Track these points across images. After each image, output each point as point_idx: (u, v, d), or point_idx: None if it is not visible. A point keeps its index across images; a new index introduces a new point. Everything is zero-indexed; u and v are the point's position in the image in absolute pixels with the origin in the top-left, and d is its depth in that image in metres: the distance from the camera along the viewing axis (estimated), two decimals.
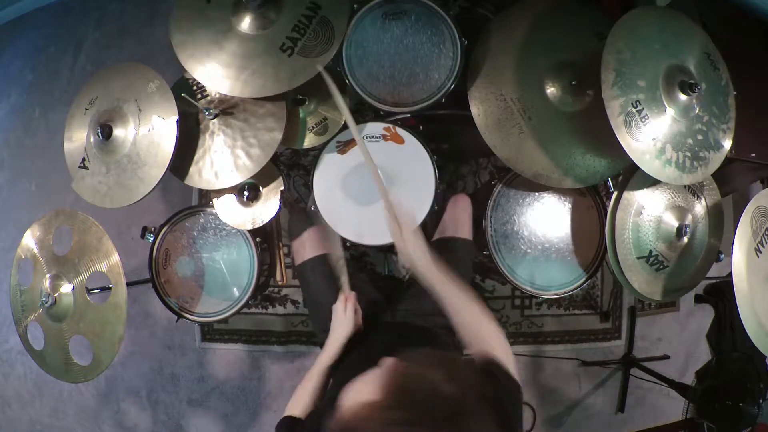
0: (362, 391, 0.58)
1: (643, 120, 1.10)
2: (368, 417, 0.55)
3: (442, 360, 0.61)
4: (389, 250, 1.98)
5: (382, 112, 1.31)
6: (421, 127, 1.39)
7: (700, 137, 1.16)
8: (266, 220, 1.37)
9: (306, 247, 1.32)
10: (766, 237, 1.27)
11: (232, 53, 1.21)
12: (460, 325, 0.95)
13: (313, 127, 1.37)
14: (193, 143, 1.29)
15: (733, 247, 1.22)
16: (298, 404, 1.01)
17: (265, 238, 1.54)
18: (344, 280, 1.17)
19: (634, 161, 1.10)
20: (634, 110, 1.09)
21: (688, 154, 1.15)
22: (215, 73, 1.21)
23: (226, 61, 1.21)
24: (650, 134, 1.11)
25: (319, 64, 1.17)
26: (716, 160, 1.19)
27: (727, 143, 1.20)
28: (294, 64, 1.18)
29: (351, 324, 1.13)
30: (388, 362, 0.61)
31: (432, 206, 1.28)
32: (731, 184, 1.60)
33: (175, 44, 1.23)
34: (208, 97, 1.33)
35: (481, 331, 0.92)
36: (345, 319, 1.13)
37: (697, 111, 1.15)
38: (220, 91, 1.23)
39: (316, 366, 1.08)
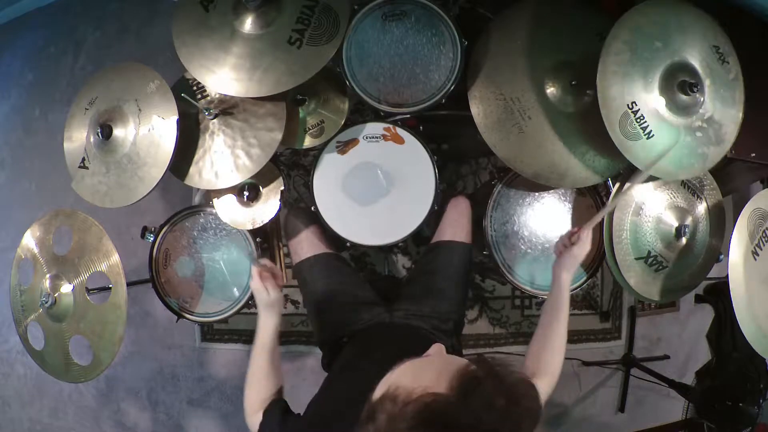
0: (426, 377, 0.55)
1: (639, 121, 1.10)
2: (426, 408, 0.52)
3: (513, 380, 0.57)
4: (389, 250, 1.99)
5: (382, 113, 1.31)
6: (421, 128, 1.39)
7: (699, 134, 1.16)
8: (266, 220, 1.37)
9: (303, 246, 1.32)
10: (763, 240, 1.27)
11: (240, 55, 1.21)
12: (540, 340, 1.03)
13: (310, 129, 1.37)
14: (193, 143, 1.29)
15: (730, 249, 1.22)
16: (260, 395, 1.01)
17: (265, 238, 1.54)
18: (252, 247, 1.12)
19: (632, 162, 1.11)
20: (630, 111, 1.09)
21: (686, 152, 1.15)
22: (228, 78, 1.20)
23: (237, 65, 1.20)
24: (647, 134, 1.11)
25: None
26: (715, 155, 1.19)
27: (729, 139, 1.19)
28: (305, 54, 1.18)
29: (276, 303, 1.04)
30: (459, 362, 0.58)
31: (432, 206, 1.28)
32: (731, 184, 1.60)
33: (182, 58, 1.22)
34: (208, 98, 1.33)
35: (547, 362, 0.99)
36: (268, 299, 1.04)
37: (697, 109, 1.15)
38: (237, 94, 1.22)
39: (256, 352, 1.04)
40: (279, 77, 1.18)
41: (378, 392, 0.57)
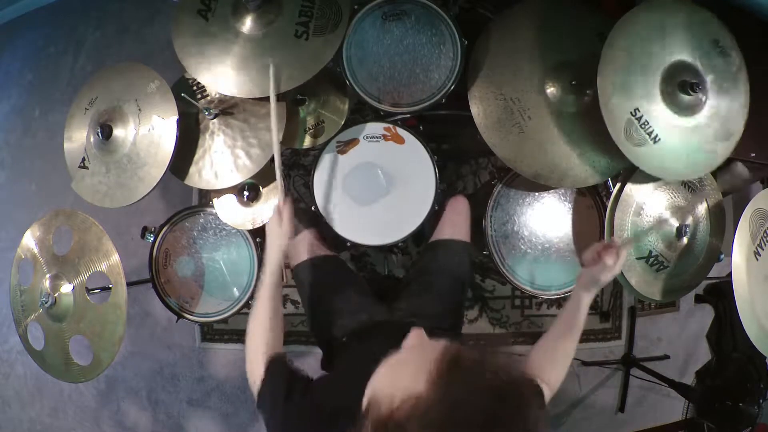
0: (404, 378, 0.53)
1: (643, 126, 1.10)
2: (410, 414, 0.50)
3: (497, 362, 0.55)
4: (389, 250, 1.99)
5: (382, 113, 1.31)
6: (421, 127, 1.39)
7: (706, 131, 1.16)
8: (266, 220, 1.37)
9: (300, 249, 1.31)
10: (764, 240, 1.27)
11: (248, 57, 1.20)
12: (545, 350, 0.98)
13: (310, 129, 1.37)
14: (193, 143, 1.29)
15: (733, 251, 1.22)
16: (263, 341, 0.95)
17: (265, 238, 1.54)
18: (279, 186, 1.13)
19: (642, 168, 1.10)
20: (633, 118, 1.09)
21: (694, 150, 1.15)
22: (240, 80, 1.20)
23: (246, 66, 1.20)
24: (653, 139, 1.11)
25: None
26: (724, 150, 1.18)
27: (737, 133, 1.18)
28: (313, 45, 1.19)
29: (286, 236, 1.09)
30: (434, 350, 0.56)
31: (432, 206, 1.28)
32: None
33: (190, 70, 1.22)
34: (208, 97, 1.33)
35: (548, 373, 0.94)
36: (280, 231, 1.08)
37: (700, 107, 1.14)
38: (252, 96, 1.21)
39: (263, 292, 1.02)
40: (291, 72, 1.18)
41: (365, 399, 0.56)
